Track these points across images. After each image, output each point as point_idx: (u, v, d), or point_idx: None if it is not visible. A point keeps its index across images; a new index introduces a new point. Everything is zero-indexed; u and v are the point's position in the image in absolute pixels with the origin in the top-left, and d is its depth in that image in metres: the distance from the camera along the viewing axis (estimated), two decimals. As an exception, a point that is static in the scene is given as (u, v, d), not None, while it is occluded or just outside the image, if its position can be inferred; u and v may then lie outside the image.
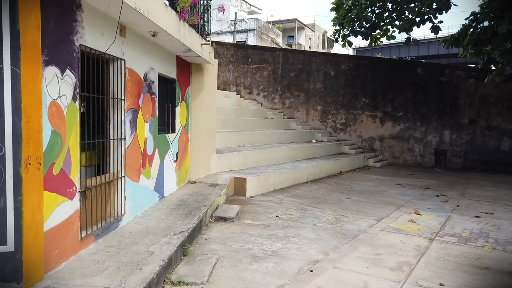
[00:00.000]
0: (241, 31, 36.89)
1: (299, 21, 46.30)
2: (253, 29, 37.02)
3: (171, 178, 7.54)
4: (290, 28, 46.19)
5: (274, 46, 34.74)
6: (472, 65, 16.43)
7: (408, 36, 13.05)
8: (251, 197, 8.77)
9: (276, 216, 7.08)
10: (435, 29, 11.97)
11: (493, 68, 14.07)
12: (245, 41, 36.26)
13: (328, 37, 51.88)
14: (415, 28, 13.21)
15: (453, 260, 5.10)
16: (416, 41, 13.10)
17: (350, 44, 14.05)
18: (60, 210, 3.97)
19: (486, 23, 13.50)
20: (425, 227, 6.68)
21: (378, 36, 14.57)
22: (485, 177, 12.99)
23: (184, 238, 5.02)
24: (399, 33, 12.89)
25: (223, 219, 6.69)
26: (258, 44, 33.15)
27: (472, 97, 14.94)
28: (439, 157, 14.92)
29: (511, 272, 4.65)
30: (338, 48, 45.82)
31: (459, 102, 15.14)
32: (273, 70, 18.09)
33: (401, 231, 6.39)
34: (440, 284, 4.30)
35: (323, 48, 53.34)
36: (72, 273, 3.81)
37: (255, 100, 18.30)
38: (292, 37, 46.33)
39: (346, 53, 32.81)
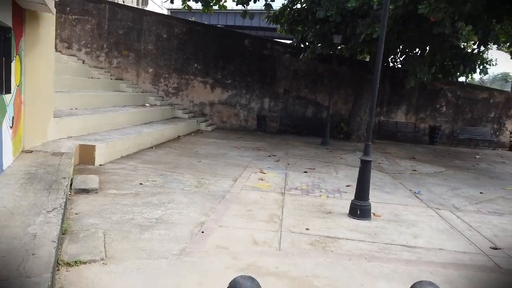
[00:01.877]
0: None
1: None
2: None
3: (8, 147, 6.34)
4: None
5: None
6: (288, 41, 18.90)
7: (244, 9, 14.00)
8: (100, 165, 8.20)
9: (140, 184, 6.96)
10: (267, 6, 13.24)
11: (302, 46, 16.67)
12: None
13: (144, -7, 49.27)
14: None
15: (306, 208, 6.30)
16: (251, 15, 14.17)
17: (190, 8, 14.10)
18: None
19: (299, 5, 15.70)
20: (273, 184, 7.83)
21: (211, 4, 15.07)
22: (297, 138, 15.62)
23: (61, 215, 4.51)
24: (237, 5, 13.68)
25: (85, 191, 6.17)
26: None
27: (287, 70, 17.36)
28: (260, 121, 16.95)
29: (346, 213, 6.10)
30: (152, 6, 44.16)
31: (277, 74, 17.36)
32: (98, 24, 16.42)
33: (257, 189, 7.32)
34: (306, 229, 5.33)
35: (137, 4, 50.56)
36: None
37: (76, 56, 16.37)
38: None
39: (160, 12, 32.24)
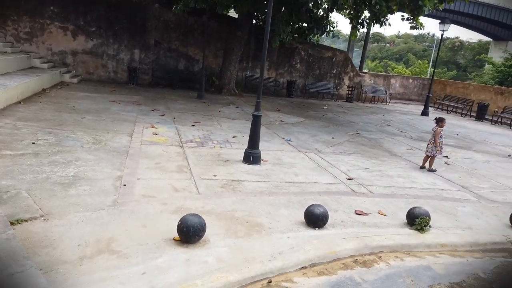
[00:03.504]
0: None
1: None
2: None
3: None
4: None
5: None
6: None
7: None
8: (-31, 124, 7.40)
9: (33, 143, 6.71)
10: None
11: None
12: None
13: None
14: None
15: (207, 158, 7.20)
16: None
17: None
18: None
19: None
20: (168, 137, 8.41)
21: None
22: (171, 92, 15.92)
23: (-23, 179, 4.40)
24: None
25: (-24, 154, 5.76)
26: None
27: (158, 21, 17.02)
28: (132, 74, 16.52)
29: (241, 160, 7.23)
30: None
31: (147, 24, 16.88)
32: None
33: (156, 143, 7.83)
34: (214, 175, 6.27)
35: None
36: None
37: None
38: None
39: None
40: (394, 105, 20.94)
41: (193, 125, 9.95)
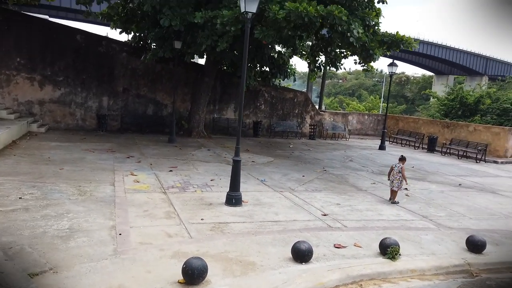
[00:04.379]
0: None
1: None
2: None
3: None
4: None
5: None
6: (124, 40, 18.82)
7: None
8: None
9: (20, 198, 6.86)
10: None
11: (141, 46, 17.25)
12: None
13: None
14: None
15: (191, 203, 7.61)
16: (89, 14, 13.76)
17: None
18: None
19: (131, 5, 16.05)
20: (150, 184, 8.75)
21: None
22: (142, 137, 16.20)
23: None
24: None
25: (-33, 212, 5.86)
26: None
27: (125, 69, 17.53)
28: (101, 121, 16.70)
29: (223, 203, 7.70)
30: None
31: (115, 72, 17.34)
32: None
33: (140, 191, 8.15)
34: (201, 219, 6.70)
35: None
36: None
37: None
38: None
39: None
40: (353, 141, 22.30)
41: (171, 170, 10.33)
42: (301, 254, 5.27)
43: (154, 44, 15.43)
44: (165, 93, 18.28)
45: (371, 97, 58.81)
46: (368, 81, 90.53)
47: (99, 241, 5.40)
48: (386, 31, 12.98)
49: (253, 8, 7.19)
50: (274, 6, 10.32)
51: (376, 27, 12.28)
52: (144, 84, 17.97)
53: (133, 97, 17.83)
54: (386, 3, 13.54)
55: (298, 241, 5.45)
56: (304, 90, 29.69)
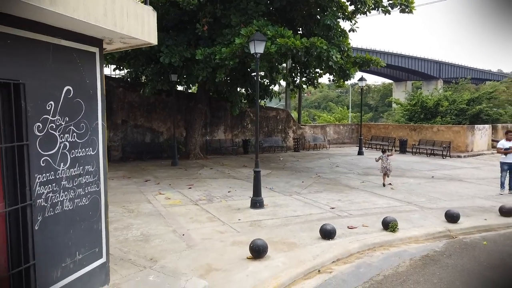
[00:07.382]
0: None
1: None
2: None
3: None
4: None
5: None
6: (119, 76, 20.23)
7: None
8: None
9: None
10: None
11: (138, 80, 18.75)
12: None
13: None
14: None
15: (223, 209, 9.18)
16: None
17: None
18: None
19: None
20: (180, 199, 10.24)
21: None
22: (145, 163, 17.54)
23: None
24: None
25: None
26: None
27: (123, 103, 18.93)
28: (104, 152, 17.88)
29: (248, 207, 9.30)
30: None
31: (113, 106, 18.69)
32: None
33: (175, 205, 9.64)
34: (239, 219, 8.29)
35: None
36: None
37: None
38: None
39: None
40: (333, 149, 24.42)
41: (190, 187, 11.83)
42: (328, 233, 6.98)
43: (150, 78, 16.96)
44: (160, 121, 19.76)
45: (340, 108, 62.16)
46: (332, 93, 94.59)
47: (171, 240, 6.91)
48: (358, 54, 15.24)
49: (260, 49, 9.04)
50: (267, 43, 12.26)
51: (348, 52, 14.49)
52: (140, 114, 19.40)
53: (132, 128, 19.19)
54: (356, 31, 15.86)
55: (324, 224, 7.18)
56: (279, 106, 31.85)
